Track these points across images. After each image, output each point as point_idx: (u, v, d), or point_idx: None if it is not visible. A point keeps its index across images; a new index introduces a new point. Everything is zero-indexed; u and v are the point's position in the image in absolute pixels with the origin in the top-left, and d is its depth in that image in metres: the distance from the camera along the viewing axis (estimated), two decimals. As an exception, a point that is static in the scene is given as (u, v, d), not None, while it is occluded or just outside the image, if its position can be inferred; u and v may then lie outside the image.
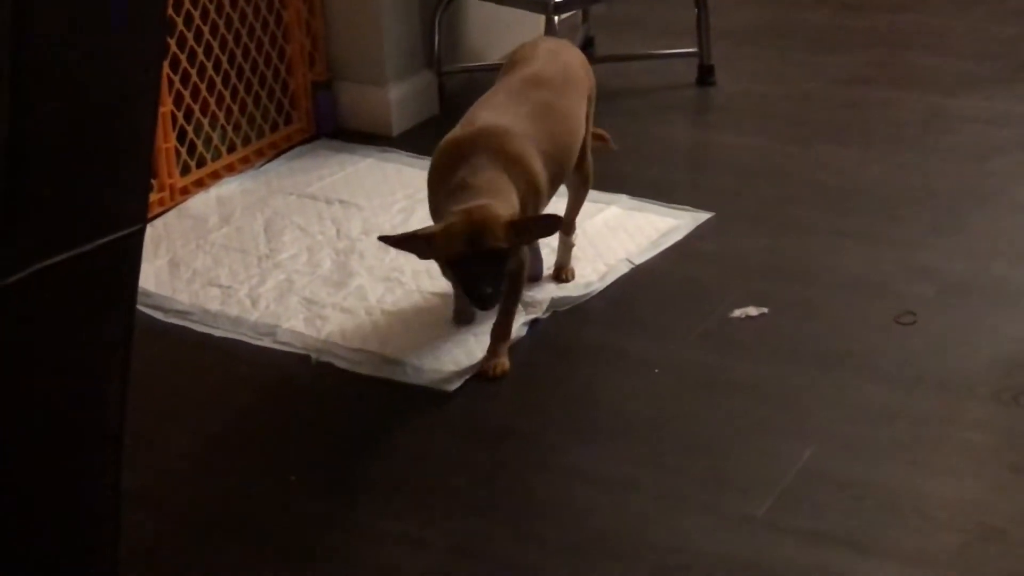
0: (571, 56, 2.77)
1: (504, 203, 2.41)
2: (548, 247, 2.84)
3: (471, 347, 2.60)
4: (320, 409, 2.49)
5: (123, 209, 1.48)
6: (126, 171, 1.48)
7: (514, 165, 2.47)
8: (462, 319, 2.68)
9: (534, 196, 2.51)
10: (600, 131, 2.88)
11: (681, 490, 2.19)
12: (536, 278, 2.78)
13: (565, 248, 2.81)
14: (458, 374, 2.52)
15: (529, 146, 2.50)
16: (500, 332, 2.55)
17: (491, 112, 2.58)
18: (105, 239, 1.46)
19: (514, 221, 2.38)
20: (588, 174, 2.77)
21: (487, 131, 2.51)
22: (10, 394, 1.39)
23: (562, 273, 2.80)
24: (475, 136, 2.51)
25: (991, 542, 2.03)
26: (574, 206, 2.80)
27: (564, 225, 2.71)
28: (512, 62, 2.75)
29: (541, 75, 2.66)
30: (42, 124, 1.36)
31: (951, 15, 4.14)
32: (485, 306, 2.40)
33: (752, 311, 2.66)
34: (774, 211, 3.07)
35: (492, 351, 2.54)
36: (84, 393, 1.48)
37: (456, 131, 2.57)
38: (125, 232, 1.48)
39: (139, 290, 1.60)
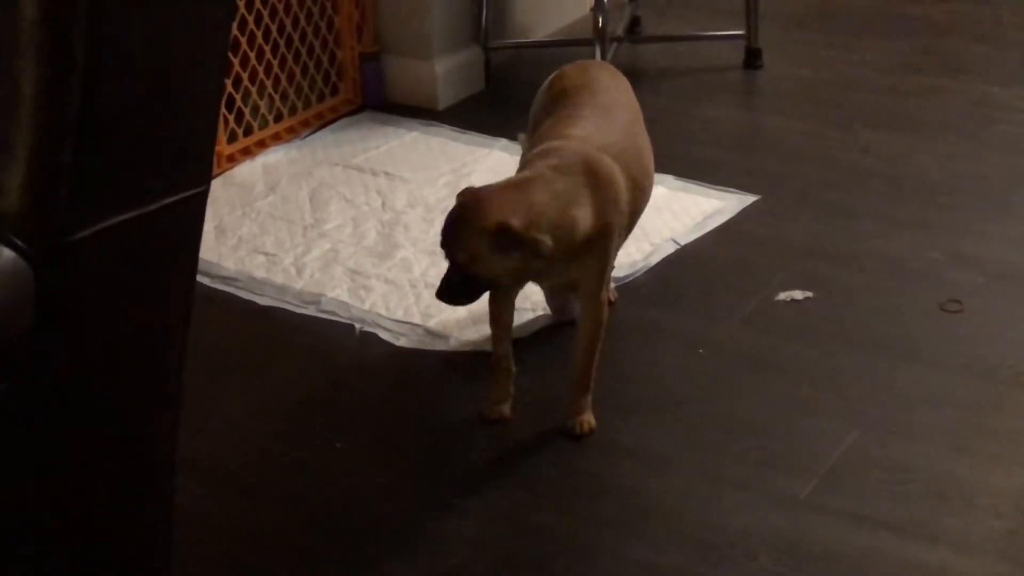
0: (627, 84, 2.52)
1: (550, 200, 2.09)
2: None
3: (517, 320, 2.60)
4: (364, 378, 2.50)
5: (187, 171, 1.49)
6: (191, 133, 1.49)
7: (602, 187, 2.19)
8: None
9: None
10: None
11: (724, 469, 2.19)
12: (569, 318, 2.55)
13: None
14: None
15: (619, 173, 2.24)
16: (579, 385, 2.26)
17: (583, 128, 2.30)
18: (169, 199, 1.47)
19: (505, 227, 2.04)
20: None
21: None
22: (73, 349, 1.41)
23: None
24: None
25: (1036, 531, 2.03)
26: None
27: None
28: (573, 86, 2.42)
29: (617, 102, 2.42)
30: (111, 86, 1.36)
31: (1002, 4, 4.10)
32: (443, 300, 2.17)
33: (797, 294, 2.65)
34: (821, 195, 3.05)
35: (574, 408, 2.26)
36: (145, 351, 1.49)
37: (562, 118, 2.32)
38: (189, 193, 1.49)
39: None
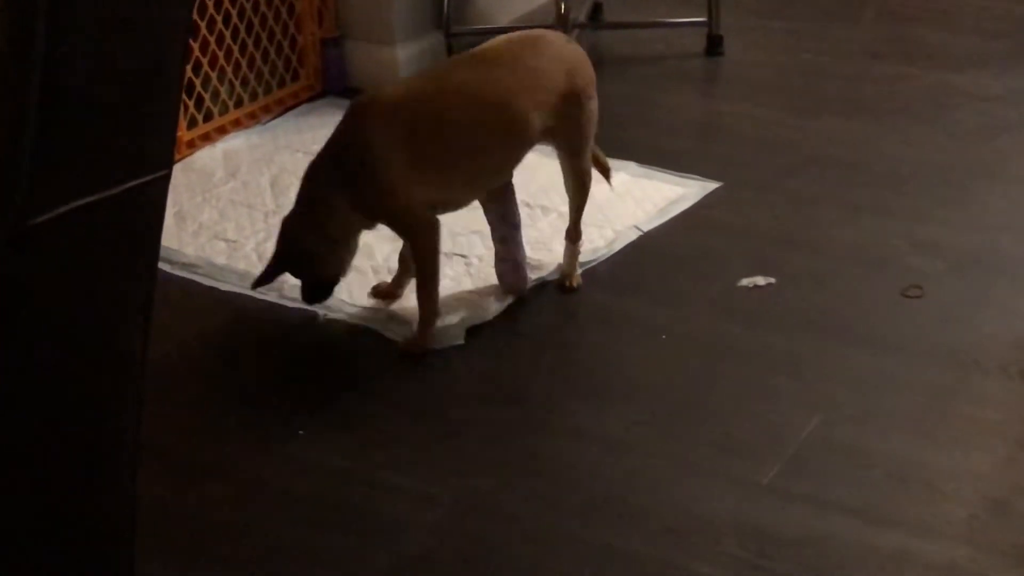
0: (560, 50, 2.54)
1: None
2: (547, 249, 2.84)
3: (477, 306, 2.60)
4: (328, 365, 2.49)
5: (149, 154, 1.47)
6: (153, 116, 1.47)
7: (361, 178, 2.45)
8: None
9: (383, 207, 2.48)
10: (604, 162, 2.75)
11: (687, 455, 2.20)
12: (519, 292, 2.63)
13: (571, 256, 2.66)
14: (465, 331, 2.52)
15: (390, 147, 2.45)
16: (421, 313, 2.51)
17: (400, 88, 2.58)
18: (131, 183, 1.45)
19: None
20: (585, 179, 2.62)
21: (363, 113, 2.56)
22: (35, 333, 1.39)
23: (567, 282, 2.65)
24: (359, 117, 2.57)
25: (996, 514, 2.05)
26: (575, 211, 2.65)
27: (569, 231, 2.65)
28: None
29: (492, 52, 2.51)
30: (73, 68, 1.35)
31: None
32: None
33: (760, 280, 2.66)
34: (782, 182, 3.06)
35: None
36: (108, 337, 1.48)
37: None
38: (151, 177, 1.47)
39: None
